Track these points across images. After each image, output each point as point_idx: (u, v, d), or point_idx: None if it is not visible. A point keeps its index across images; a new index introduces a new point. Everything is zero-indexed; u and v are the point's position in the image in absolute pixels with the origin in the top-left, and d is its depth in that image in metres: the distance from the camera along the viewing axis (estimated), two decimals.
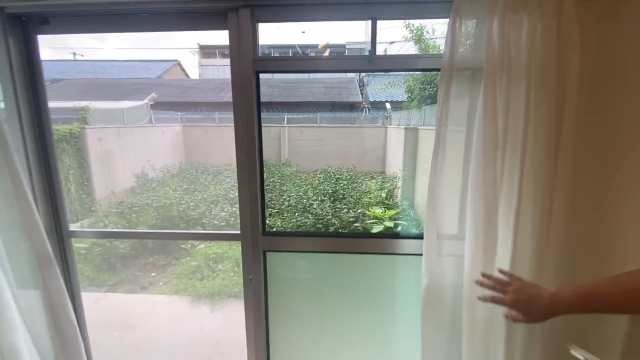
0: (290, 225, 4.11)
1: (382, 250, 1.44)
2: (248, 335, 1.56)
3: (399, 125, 8.74)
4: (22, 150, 1.45)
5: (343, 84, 16.84)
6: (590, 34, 1.06)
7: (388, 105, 12.26)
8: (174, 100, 14.16)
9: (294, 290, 1.56)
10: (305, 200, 4.74)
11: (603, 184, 1.10)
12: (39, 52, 1.46)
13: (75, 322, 1.58)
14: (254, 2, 1.23)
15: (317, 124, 10.42)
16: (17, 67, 1.42)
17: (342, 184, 5.67)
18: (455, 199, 1.26)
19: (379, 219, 4.02)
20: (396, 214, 4.09)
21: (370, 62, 1.24)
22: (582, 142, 1.09)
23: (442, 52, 1.12)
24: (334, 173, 6.54)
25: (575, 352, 0.92)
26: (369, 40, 1.25)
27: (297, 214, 4.43)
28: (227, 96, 14.80)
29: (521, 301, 0.84)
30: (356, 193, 5.45)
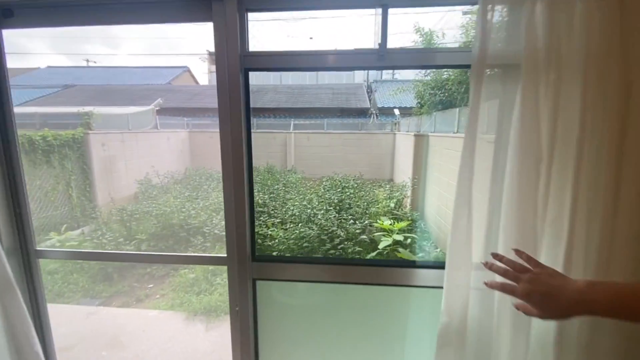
0: (293, 236, 3.90)
1: (393, 281, 1.21)
2: None
3: (407, 131, 8.50)
4: None
5: (351, 90, 16.70)
6: None
7: (397, 112, 12.04)
8: (180, 105, 14.19)
9: (289, 325, 1.34)
10: (309, 210, 4.52)
11: None
12: (3, 47, 1.29)
13: (40, 352, 1.39)
14: None
15: (324, 130, 10.24)
16: None
17: (348, 193, 5.44)
18: (485, 222, 1.03)
19: (387, 232, 3.79)
20: (406, 226, 3.85)
21: (380, 58, 1.03)
22: None
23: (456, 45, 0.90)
24: (340, 181, 6.32)
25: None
26: (379, 32, 1.04)
27: (300, 224, 4.22)
28: None
29: (537, 293, 0.69)
30: (363, 202, 5.22)
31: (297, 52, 1.08)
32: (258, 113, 14.34)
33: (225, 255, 1.25)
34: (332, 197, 5.17)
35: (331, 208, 4.71)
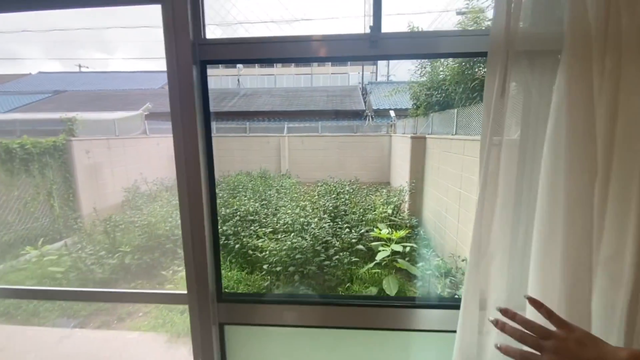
0: (285, 247, 3.65)
1: (392, 324, 0.98)
2: None
3: (404, 133, 8.30)
4: None
5: (346, 92, 16.54)
6: None
7: (392, 113, 11.86)
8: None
9: None
10: (303, 218, 4.28)
11: None
12: None
13: None
14: None
15: (319, 133, 10.02)
16: None
17: (343, 199, 5.21)
18: (516, 250, 0.80)
19: (385, 241, 3.56)
20: (405, 234, 3.63)
21: (373, 45, 0.80)
22: None
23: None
24: (335, 186, 6.09)
25: None
26: (371, 10, 0.81)
27: (293, 234, 3.97)
28: (228, 105, 14.54)
29: None
30: (359, 209, 4.99)
31: (269, 39, 0.85)
32: (252, 117, 14.10)
33: (186, 292, 1.01)
34: (327, 204, 4.93)
35: (325, 216, 4.47)
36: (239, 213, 4.95)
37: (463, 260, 3.83)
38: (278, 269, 3.60)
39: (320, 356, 1.06)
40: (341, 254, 3.81)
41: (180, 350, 2.88)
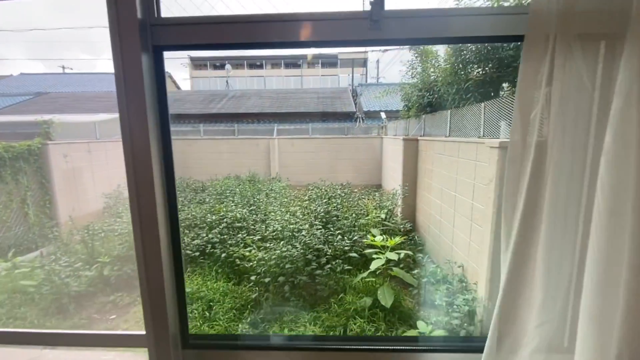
0: (274, 257, 3.45)
1: None
2: None
3: (395, 135, 8.19)
4: None
5: (336, 94, 16.43)
6: None
7: (383, 115, 11.77)
8: None
9: None
10: (292, 225, 4.09)
11: None
12: None
13: None
14: None
15: (309, 135, 9.85)
16: None
17: (335, 204, 5.04)
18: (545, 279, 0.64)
19: (379, 249, 3.40)
20: (400, 241, 3.47)
21: (374, 25, 0.63)
22: None
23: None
24: (326, 190, 5.91)
25: None
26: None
27: (282, 242, 3.78)
28: (216, 107, 14.26)
29: None
30: (351, 214, 4.82)
31: (244, 18, 0.66)
32: (241, 118, 13.84)
33: (144, 332, 0.82)
34: (318, 209, 4.75)
35: (317, 222, 4.29)
36: (225, 220, 4.73)
37: (459, 267, 3.70)
38: (267, 280, 3.40)
39: None
40: (333, 262, 3.63)
41: None
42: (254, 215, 5.01)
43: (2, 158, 5.08)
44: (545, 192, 0.56)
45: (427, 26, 0.65)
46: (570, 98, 0.56)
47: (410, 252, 3.57)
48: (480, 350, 0.67)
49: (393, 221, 4.87)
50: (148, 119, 0.67)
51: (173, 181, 0.73)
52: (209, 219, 4.70)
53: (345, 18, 0.65)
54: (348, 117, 13.54)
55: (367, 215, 4.90)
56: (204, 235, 4.34)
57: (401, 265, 3.76)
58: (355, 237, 4.04)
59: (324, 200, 5.21)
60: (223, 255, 3.88)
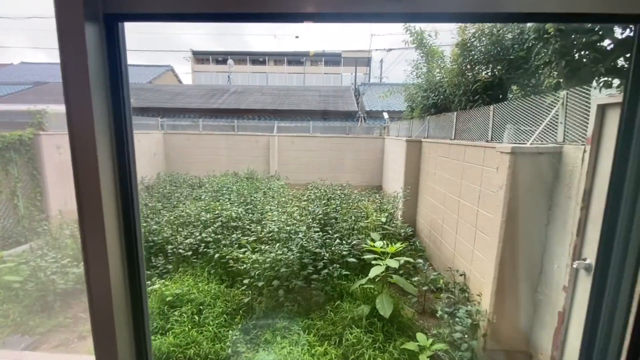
0: (268, 260, 3.29)
1: None
2: None
3: (397, 136, 8.03)
4: None
5: (339, 93, 16.25)
6: None
7: (385, 115, 11.61)
8: (158, 105, 13.38)
9: None
10: (289, 227, 3.93)
11: None
12: None
13: None
14: None
15: (310, 133, 9.68)
16: None
17: (334, 205, 4.88)
18: None
19: (379, 255, 3.24)
20: (401, 248, 3.31)
21: None
22: None
23: None
24: (325, 191, 5.75)
25: None
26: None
27: (278, 244, 3.62)
28: (217, 102, 14.10)
29: None
30: (350, 216, 4.66)
31: None
32: (242, 114, 13.68)
33: (94, 358, 0.66)
34: (317, 210, 4.60)
35: (315, 224, 4.13)
36: (220, 219, 4.57)
37: (461, 275, 3.55)
38: (261, 283, 3.25)
39: None
40: (331, 267, 3.48)
41: None
42: (250, 215, 4.85)
43: None
44: None
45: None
46: None
47: (411, 260, 3.42)
48: None
49: (393, 225, 4.72)
50: (93, 110, 0.51)
51: (131, 188, 0.57)
52: (203, 217, 4.54)
53: None
54: (350, 116, 13.38)
55: (367, 218, 4.74)
56: (198, 234, 4.18)
57: (401, 272, 3.61)
58: (354, 242, 3.89)
59: (323, 202, 5.05)
60: (216, 255, 3.73)
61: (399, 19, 0.49)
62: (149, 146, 8.61)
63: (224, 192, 6.02)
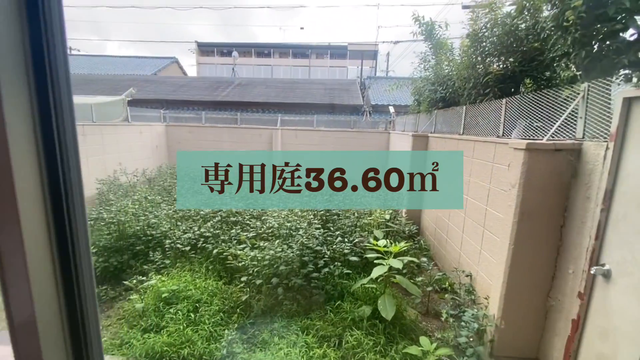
0: (267, 257, 3.18)
1: None
2: None
3: (404, 131, 7.84)
4: None
5: (344, 86, 16.00)
6: None
7: (391, 109, 11.38)
8: (162, 97, 13.28)
9: None
10: (289, 223, 3.81)
11: None
12: None
13: None
14: None
15: (314, 127, 9.50)
16: None
17: (336, 201, 4.75)
18: None
19: (382, 255, 3.11)
20: (406, 247, 3.18)
21: None
22: None
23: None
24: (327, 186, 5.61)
25: None
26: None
27: (278, 241, 3.50)
28: (221, 95, 13.92)
29: None
30: (353, 213, 4.53)
31: None
32: (245, 107, 13.52)
33: None
34: (318, 205, 4.47)
35: (316, 221, 4.01)
36: (220, 213, 4.47)
37: (467, 276, 3.41)
38: (259, 281, 3.14)
39: None
40: (332, 265, 3.36)
41: None
42: (251, 210, 4.74)
43: None
44: None
45: None
46: None
47: (415, 259, 3.28)
48: None
49: (397, 222, 4.58)
50: (3, 101, 0.38)
51: (68, 195, 0.44)
52: (202, 212, 4.44)
53: None
54: (355, 110, 13.15)
55: (370, 215, 4.60)
56: (197, 228, 4.08)
57: (404, 271, 3.48)
58: (356, 240, 3.76)
59: (325, 197, 4.92)
60: (215, 251, 3.63)
61: None
62: (150, 138, 8.52)
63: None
